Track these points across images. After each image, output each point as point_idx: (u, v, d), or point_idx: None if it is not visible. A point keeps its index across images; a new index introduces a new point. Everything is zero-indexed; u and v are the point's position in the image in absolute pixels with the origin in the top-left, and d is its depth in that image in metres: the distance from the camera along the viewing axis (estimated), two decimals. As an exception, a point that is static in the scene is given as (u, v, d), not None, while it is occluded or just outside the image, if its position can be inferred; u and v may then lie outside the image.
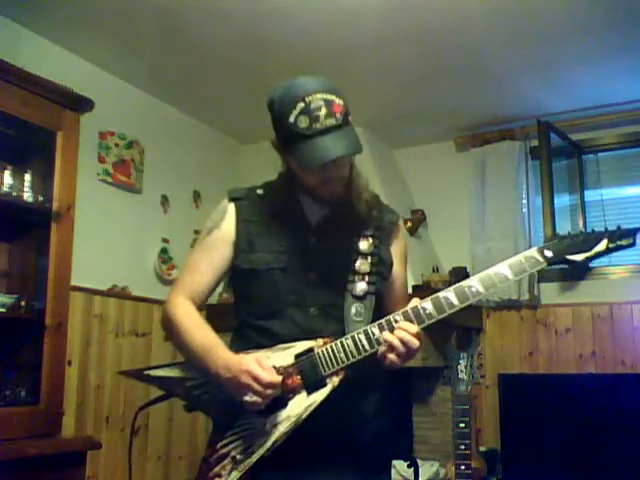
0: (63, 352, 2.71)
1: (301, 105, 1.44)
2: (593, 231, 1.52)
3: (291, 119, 1.44)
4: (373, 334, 1.47)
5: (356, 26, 3.07)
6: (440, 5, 2.89)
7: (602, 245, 1.49)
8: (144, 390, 2.72)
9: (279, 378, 1.42)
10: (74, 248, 2.75)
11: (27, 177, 2.71)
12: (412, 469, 2.88)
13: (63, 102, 2.74)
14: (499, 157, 4.14)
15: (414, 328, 1.46)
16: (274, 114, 1.52)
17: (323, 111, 1.44)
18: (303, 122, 1.43)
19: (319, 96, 1.45)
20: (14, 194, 2.66)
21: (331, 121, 1.44)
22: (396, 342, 1.44)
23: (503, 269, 1.49)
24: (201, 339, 1.52)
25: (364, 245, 1.60)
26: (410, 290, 3.54)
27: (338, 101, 1.47)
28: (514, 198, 4.08)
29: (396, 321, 1.47)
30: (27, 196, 2.71)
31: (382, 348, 1.47)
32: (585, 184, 4.16)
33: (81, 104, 2.80)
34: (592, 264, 4.31)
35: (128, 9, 2.93)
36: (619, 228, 1.50)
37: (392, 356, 1.46)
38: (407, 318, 1.47)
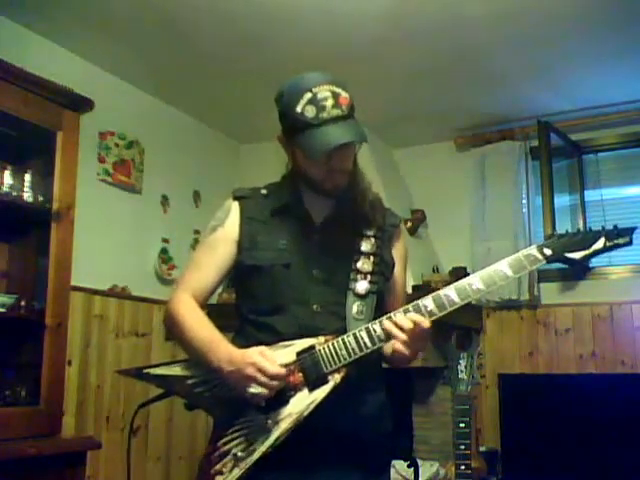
0: (63, 352, 2.71)
1: (308, 95, 1.48)
2: (591, 230, 1.53)
3: (298, 109, 1.48)
4: (375, 331, 1.47)
5: (356, 26, 3.07)
6: (440, 5, 2.89)
7: (600, 243, 1.50)
8: (144, 390, 2.72)
9: (284, 370, 1.42)
10: (74, 248, 2.75)
11: (27, 177, 2.71)
12: (412, 469, 2.89)
13: (63, 102, 2.73)
14: (499, 157, 4.14)
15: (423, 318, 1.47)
16: (282, 106, 1.55)
17: (330, 102, 1.48)
18: (310, 112, 1.47)
19: (326, 87, 1.49)
20: (14, 194, 2.66)
21: (337, 111, 1.48)
22: (406, 322, 1.45)
23: (503, 267, 1.50)
24: (203, 334, 1.53)
25: (366, 245, 1.61)
26: (410, 290, 3.55)
27: (344, 94, 1.51)
28: (514, 198, 4.07)
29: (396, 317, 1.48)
30: (27, 196, 2.70)
31: (392, 344, 1.48)
32: (585, 184, 4.16)
33: (81, 104, 2.80)
34: (592, 264, 4.29)
35: (128, 9, 2.93)
36: (616, 227, 1.52)
37: (399, 345, 1.46)
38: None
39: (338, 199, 1.63)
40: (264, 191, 1.68)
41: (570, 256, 1.51)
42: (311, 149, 1.49)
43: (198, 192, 4.16)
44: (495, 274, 1.49)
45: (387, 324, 1.46)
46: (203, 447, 1.55)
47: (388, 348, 1.56)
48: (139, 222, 3.70)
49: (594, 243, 1.50)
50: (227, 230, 1.64)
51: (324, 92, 1.48)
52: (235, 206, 1.66)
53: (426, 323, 1.45)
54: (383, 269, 1.62)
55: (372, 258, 1.60)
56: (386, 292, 1.65)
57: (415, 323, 1.44)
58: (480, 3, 2.88)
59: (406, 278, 1.78)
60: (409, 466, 2.96)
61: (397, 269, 1.69)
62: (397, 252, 1.70)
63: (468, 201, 4.23)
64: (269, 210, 1.63)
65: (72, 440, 2.83)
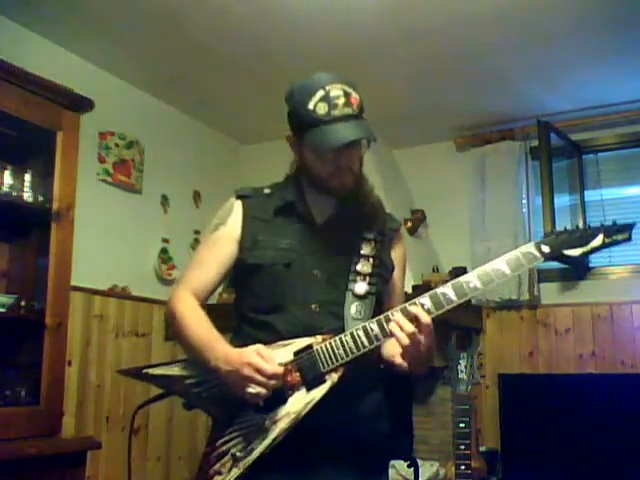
0: (63, 352, 2.71)
1: (321, 93, 1.51)
2: (589, 226, 1.52)
3: (310, 106, 1.51)
4: (372, 330, 1.47)
5: (356, 26, 3.07)
6: (440, 5, 2.89)
7: (598, 240, 1.49)
8: (144, 390, 2.72)
9: (281, 368, 1.42)
10: (74, 248, 2.75)
11: (27, 177, 2.71)
12: (412, 469, 2.88)
13: (63, 102, 2.73)
14: (499, 157, 4.14)
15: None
16: (292, 104, 1.57)
17: (342, 100, 1.50)
18: (322, 108, 1.50)
19: (338, 86, 1.52)
20: (14, 194, 2.66)
21: (348, 110, 1.51)
22: (407, 324, 1.43)
23: (501, 265, 1.49)
24: (201, 333, 1.53)
25: (366, 248, 1.62)
26: (410, 290, 3.55)
27: (355, 94, 1.54)
28: (514, 198, 4.07)
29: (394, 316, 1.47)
30: (27, 196, 2.70)
31: (391, 354, 1.48)
32: (585, 184, 4.16)
33: (81, 104, 2.80)
34: (592, 264, 4.28)
35: (128, 9, 2.93)
36: (615, 223, 1.51)
37: (398, 359, 1.47)
38: (405, 314, 1.47)
39: (341, 199, 1.64)
40: (267, 190, 1.69)
41: (568, 253, 1.49)
42: (321, 145, 1.51)
43: (198, 192, 4.16)
44: (493, 272, 1.48)
45: (392, 326, 1.45)
46: (203, 447, 1.55)
47: (387, 352, 1.57)
48: (139, 222, 3.70)
49: (592, 240, 1.49)
50: (229, 229, 1.64)
51: (336, 90, 1.51)
52: (238, 205, 1.66)
53: (426, 317, 1.44)
54: (382, 271, 1.63)
55: (372, 260, 1.61)
56: (385, 295, 1.66)
57: (416, 319, 1.44)
58: (480, 3, 2.88)
59: (404, 281, 1.78)
60: (409, 466, 2.96)
61: (396, 272, 1.71)
62: (396, 256, 1.71)
63: (468, 201, 4.23)
64: (272, 209, 1.64)
65: (72, 440, 2.83)
